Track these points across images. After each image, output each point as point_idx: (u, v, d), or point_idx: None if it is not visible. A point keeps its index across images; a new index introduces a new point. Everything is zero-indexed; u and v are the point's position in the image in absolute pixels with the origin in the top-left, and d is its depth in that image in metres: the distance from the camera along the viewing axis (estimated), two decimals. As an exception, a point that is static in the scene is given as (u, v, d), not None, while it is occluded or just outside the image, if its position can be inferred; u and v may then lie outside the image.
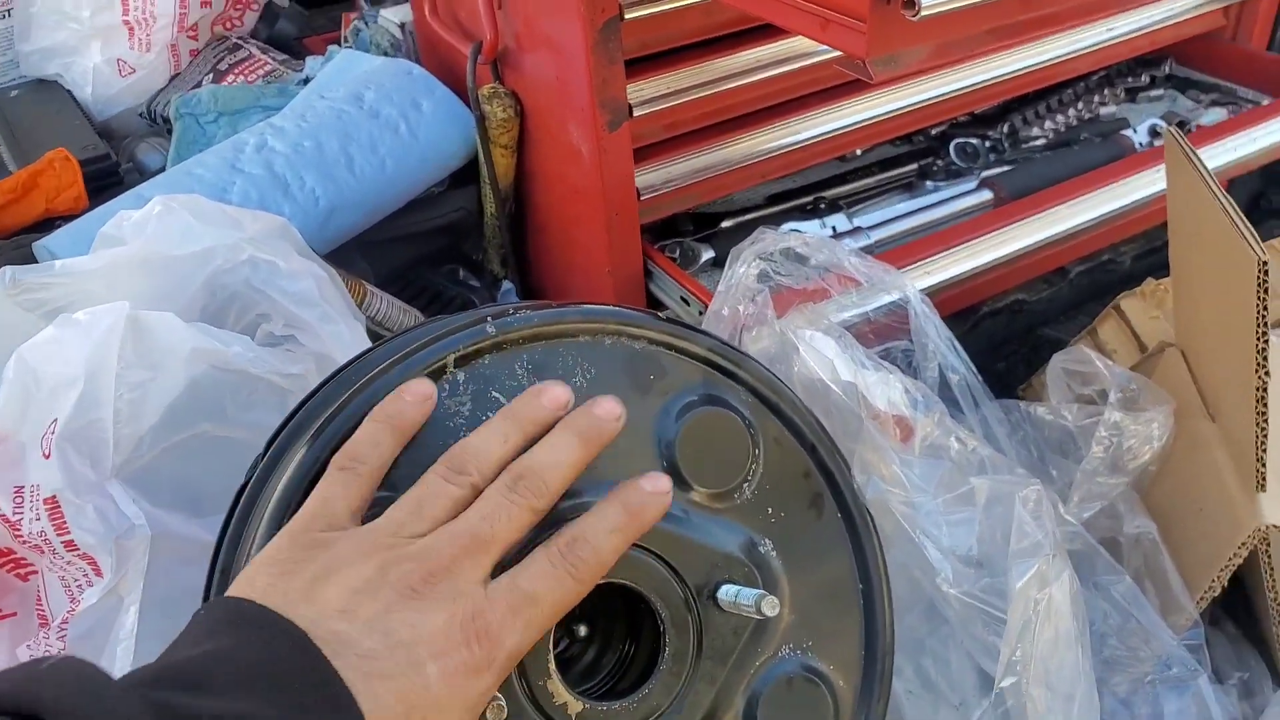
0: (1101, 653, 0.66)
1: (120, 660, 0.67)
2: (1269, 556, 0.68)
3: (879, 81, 0.84)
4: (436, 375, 0.56)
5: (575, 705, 0.53)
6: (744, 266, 0.80)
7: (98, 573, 0.67)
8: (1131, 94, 1.28)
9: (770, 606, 0.54)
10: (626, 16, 0.86)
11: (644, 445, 0.59)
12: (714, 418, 0.60)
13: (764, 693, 0.58)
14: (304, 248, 0.81)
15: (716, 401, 0.61)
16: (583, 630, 0.60)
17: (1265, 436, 0.64)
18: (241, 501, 0.59)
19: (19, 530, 0.67)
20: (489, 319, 0.57)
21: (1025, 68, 1.16)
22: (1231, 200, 0.63)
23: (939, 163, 1.14)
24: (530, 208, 1.09)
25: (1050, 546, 0.54)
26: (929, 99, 1.10)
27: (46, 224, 1.09)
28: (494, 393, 0.57)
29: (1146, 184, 1.05)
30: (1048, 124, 1.19)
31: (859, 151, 1.20)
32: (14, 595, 0.73)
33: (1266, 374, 0.62)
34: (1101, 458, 0.72)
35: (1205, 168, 0.67)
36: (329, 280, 0.80)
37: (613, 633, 0.60)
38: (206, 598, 0.60)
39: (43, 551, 0.69)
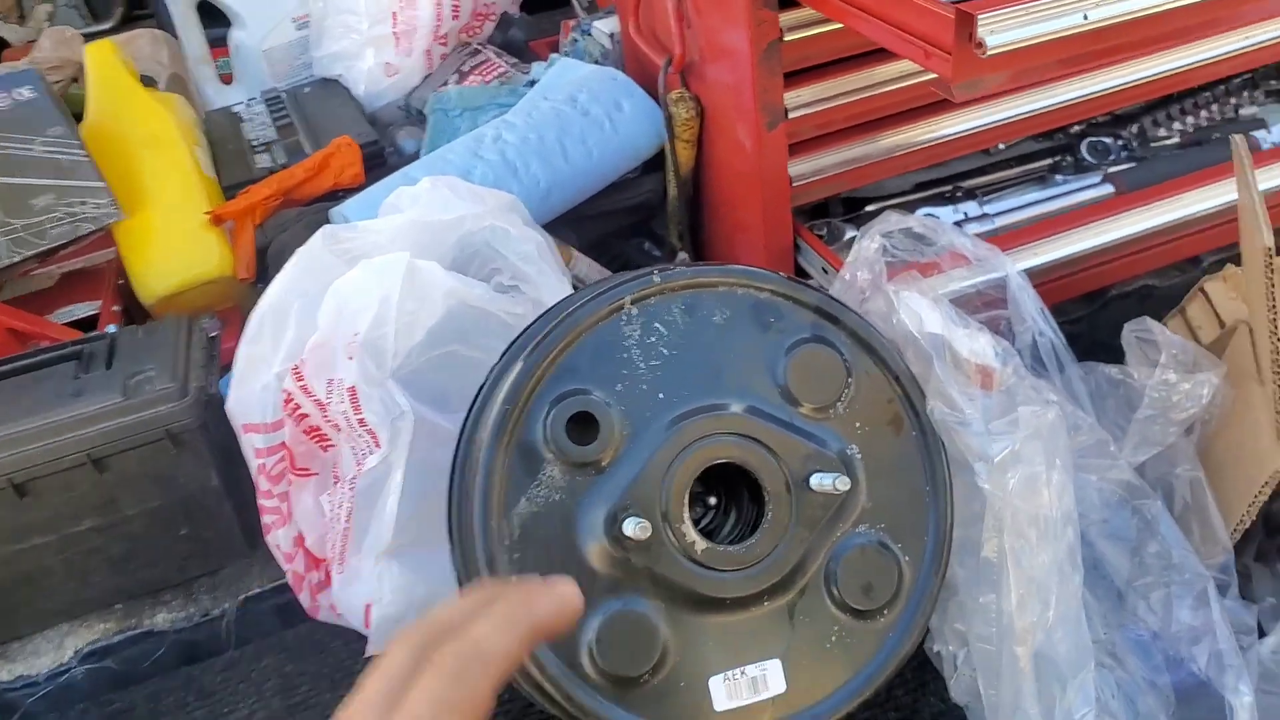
0: (1135, 562, 0.82)
1: (389, 506, 0.94)
2: (1293, 495, 0.81)
3: (964, 101, 0.99)
4: (616, 310, 0.79)
5: (701, 544, 0.76)
6: (867, 241, 0.99)
7: (377, 444, 0.94)
8: (1275, 95, 1.35)
9: (842, 483, 0.75)
10: (786, 38, 1.06)
11: (762, 371, 0.80)
12: (818, 352, 0.81)
13: (844, 555, 0.78)
14: (529, 219, 1.07)
15: (821, 340, 0.82)
16: (712, 500, 0.83)
17: (1282, 393, 0.78)
18: (479, 398, 0.84)
19: (327, 411, 0.96)
20: (655, 271, 0.80)
21: (1165, 71, 1.27)
22: (1261, 198, 0.77)
23: (1069, 158, 1.27)
24: (705, 191, 1.31)
25: (1033, 437, 0.71)
26: (1064, 101, 1.23)
27: (333, 195, 1.41)
28: (656, 324, 0.79)
29: (1262, 180, 1.15)
30: (1176, 125, 1.29)
31: (1002, 146, 1.35)
32: (317, 460, 1.02)
33: (1278, 340, 0.75)
34: (1153, 409, 0.87)
35: (1250, 168, 0.81)
36: (546, 245, 1.05)
37: (740, 499, 0.82)
38: (454, 462, 0.85)
39: (340, 429, 0.97)
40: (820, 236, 1.21)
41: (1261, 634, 0.81)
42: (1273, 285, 0.73)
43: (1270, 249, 0.73)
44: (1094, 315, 1.36)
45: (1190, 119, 1.30)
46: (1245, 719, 0.71)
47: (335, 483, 1.02)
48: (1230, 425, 0.89)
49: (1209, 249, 1.33)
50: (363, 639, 0.99)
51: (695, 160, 1.29)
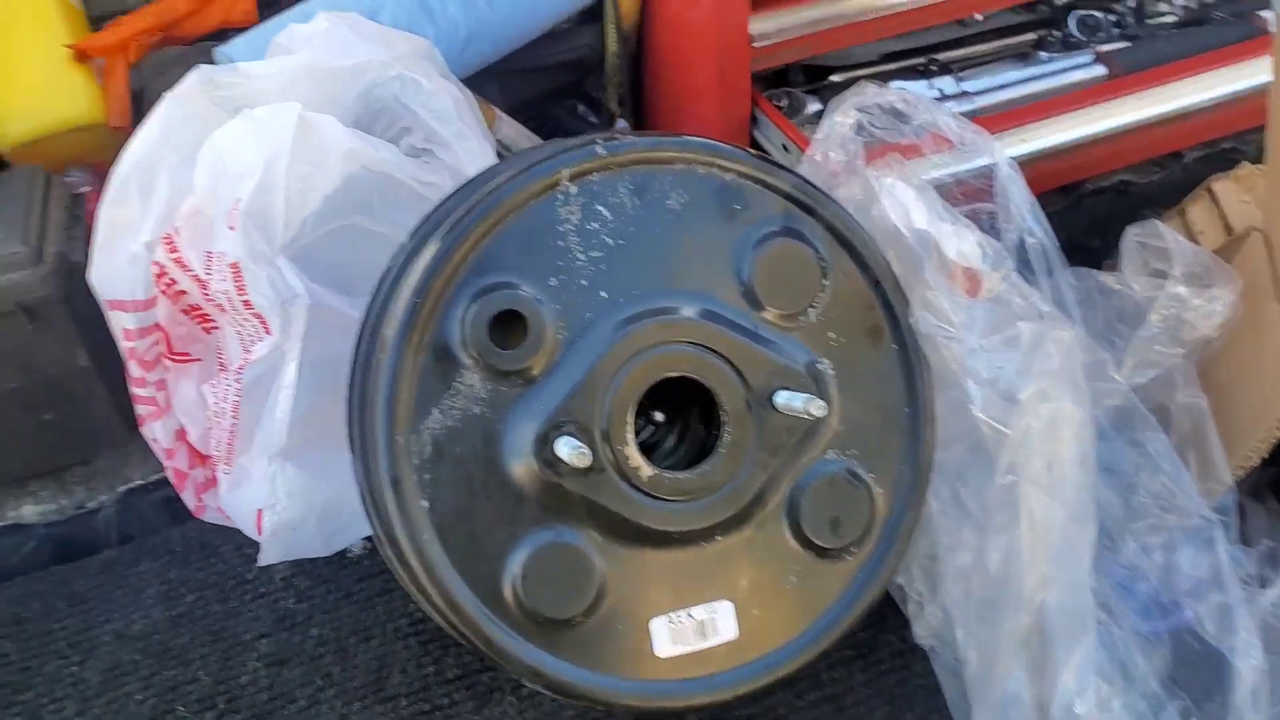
0: (1130, 501, 0.74)
1: (281, 405, 0.81)
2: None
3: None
4: (551, 187, 0.65)
5: (647, 470, 0.65)
6: (841, 116, 0.86)
7: (267, 330, 0.81)
8: (1281, -28, 1.23)
9: (817, 408, 0.64)
10: None
11: (725, 268, 0.68)
12: (790, 248, 0.69)
13: (809, 485, 0.68)
14: (445, 70, 0.91)
15: (794, 234, 0.69)
16: (659, 416, 0.71)
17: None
18: (386, 281, 0.70)
19: (208, 289, 0.81)
20: (598, 141, 0.66)
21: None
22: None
23: (1056, 34, 1.14)
24: (650, 49, 1.15)
25: (1060, 373, 0.61)
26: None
27: (221, 34, 1.21)
28: (599, 206, 0.66)
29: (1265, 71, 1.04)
30: (1177, 0, 1.17)
31: (980, 17, 1.21)
32: (199, 344, 0.88)
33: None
34: (1160, 327, 0.77)
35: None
36: (465, 101, 0.89)
37: (690, 421, 0.71)
38: (355, 361, 0.72)
39: (224, 310, 0.83)
40: (780, 109, 1.07)
41: (1262, 584, 0.73)
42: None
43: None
44: (1066, 212, 1.26)
45: (1194, -7, 1.18)
46: (1252, 682, 0.63)
47: (220, 371, 0.88)
48: (1238, 347, 0.79)
49: (1197, 143, 1.23)
50: (256, 544, 0.87)
51: (640, 10, 1.13)
